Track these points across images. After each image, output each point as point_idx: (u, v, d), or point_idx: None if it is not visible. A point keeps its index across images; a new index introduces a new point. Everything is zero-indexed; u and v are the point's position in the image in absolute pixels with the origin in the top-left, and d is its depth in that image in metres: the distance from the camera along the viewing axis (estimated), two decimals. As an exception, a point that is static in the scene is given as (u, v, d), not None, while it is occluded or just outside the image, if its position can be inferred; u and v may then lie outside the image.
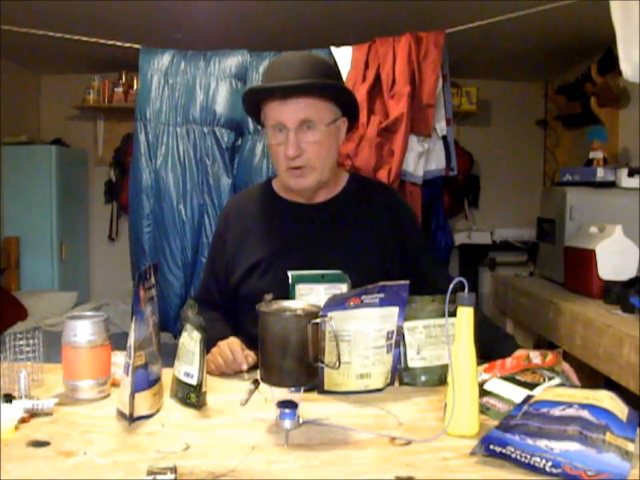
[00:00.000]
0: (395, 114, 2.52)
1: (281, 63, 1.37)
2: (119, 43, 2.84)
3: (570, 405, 0.96)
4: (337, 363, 1.06)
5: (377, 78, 2.60)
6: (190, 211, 2.59)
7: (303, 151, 1.35)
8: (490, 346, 1.32)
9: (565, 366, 1.24)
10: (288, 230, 1.46)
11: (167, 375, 1.17)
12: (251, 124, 2.60)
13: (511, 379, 1.14)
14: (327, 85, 1.36)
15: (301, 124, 1.33)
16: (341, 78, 1.48)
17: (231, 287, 1.48)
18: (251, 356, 1.29)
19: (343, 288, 1.29)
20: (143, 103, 2.63)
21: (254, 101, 1.40)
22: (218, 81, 2.61)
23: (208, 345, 1.29)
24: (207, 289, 1.56)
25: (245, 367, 1.28)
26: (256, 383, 1.12)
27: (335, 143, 1.42)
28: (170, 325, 2.56)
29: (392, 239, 1.47)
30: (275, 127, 1.36)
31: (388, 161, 2.53)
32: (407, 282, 1.21)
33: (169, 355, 1.21)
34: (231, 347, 1.31)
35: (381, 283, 1.18)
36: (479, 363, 1.04)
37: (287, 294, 1.26)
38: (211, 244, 1.64)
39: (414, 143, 2.59)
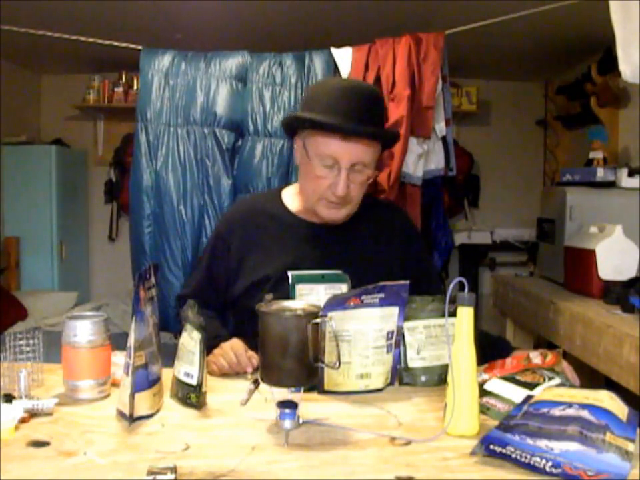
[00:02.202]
0: (394, 117, 2.52)
1: (343, 95, 1.32)
2: (119, 44, 2.84)
3: (570, 405, 0.96)
4: (337, 363, 1.06)
5: (377, 80, 2.60)
6: (190, 211, 2.59)
7: (349, 190, 1.35)
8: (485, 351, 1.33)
9: (564, 364, 1.24)
10: (297, 249, 1.44)
11: (167, 375, 1.17)
12: (250, 125, 2.61)
13: (510, 379, 1.15)
14: (394, 135, 1.42)
15: (354, 165, 1.33)
16: (385, 112, 1.48)
17: (231, 296, 1.47)
18: (255, 357, 1.28)
19: (343, 288, 1.30)
20: (144, 103, 2.63)
21: (306, 124, 1.35)
22: (218, 82, 2.62)
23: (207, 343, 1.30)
24: (200, 287, 1.54)
25: (249, 369, 1.28)
26: (256, 382, 1.12)
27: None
28: (170, 324, 2.57)
29: (399, 259, 1.48)
30: (322, 160, 1.33)
31: (388, 163, 2.53)
32: (407, 282, 1.21)
33: (169, 355, 1.21)
34: (235, 350, 1.31)
35: (381, 283, 1.18)
36: (479, 363, 1.04)
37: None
38: (209, 244, 1.61)
39: (413, 145, 2.59)
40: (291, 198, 1.51)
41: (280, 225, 1.48)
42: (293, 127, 1.42)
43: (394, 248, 1.48)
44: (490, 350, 1.33)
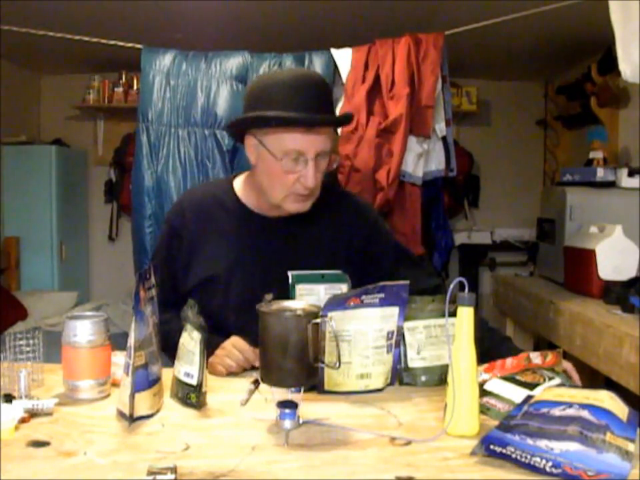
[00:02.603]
0: (394, 115, 2.52)
1: (295, 87, 1.31)
2: (119, 43, 2.85)
3: (570, 405, 0.96)
4: (337, 363, 1.06)
5: (377, 79, 2.60)
6: None
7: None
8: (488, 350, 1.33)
9: (567, 365, 1.24)
10: (248, 243, 1.43)
11: (167, 375, 1.17)
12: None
13: (510, 379, 1.14)
14: (349, 118, 1.44)
15: (318, 155, 1.32)
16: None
17: (183, 290, 1.43)
18: (255, 353, 1.27)
19: (343, 288, 1.30)
20: (145, 104, 2.64)
21: (262, 122, 1.33)
22: (219, 82, 2.62)
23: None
24: (166, 288, 1.41)
25: (257, 363, 1.25)
26: (256, 383, 1.12)
27: None
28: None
29: (358, 247, 1.46)
30: (287, 155, 1.31)
31: (387, 161, 2.53)
32: (407, 282, 1.21)
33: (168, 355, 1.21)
34: (238, 347, 1.30)
35: (382, 283, 1.18)
36: (479, 363, 1.04)
37: (249, 306, 1.17)
38: (162, 240, 1.51)
39: (413, 144, 2.59)
40: (243, 189, 1.48)
41: (231, 216, 1.45)
42: (244, 128, 1.40)
43: (348, 241, 1.46)
44: (492, 348, 1.34)
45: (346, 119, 1.48)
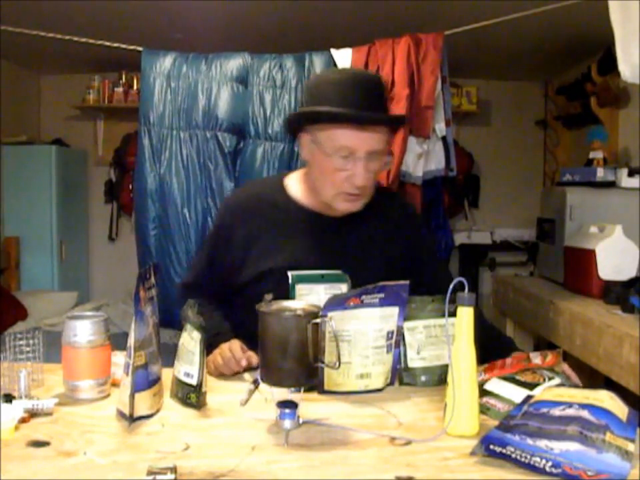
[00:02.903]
0: (394, 116, 2.52)
1: (349, 85, 1.31)
2: (120, 45, 2.85)
3: (570, 405, 0.96)
4: (337, 363, 1.06)
5: (377, 78, 2.60)
6: (194, 214, 2.62)
7: (366, 180, 1.33)
8: (487, 345, 1.34)
9: (565, 367, 1.24)
10: (303, 240, 1.43)
11: (167, 375, 1.17)
12: (252, 128, 2.61)
13: (510, 379, 1.15)
14: (402, 119, 1.44)
15: (370, 154, 1.31)
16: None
17: (236, 285, 1.46)
18: (253, 357, 1.28)
19: (343, 288, 1.29)
20: (146, 107, 2.64)
21: (315, 119, 1.33)
22: (219, 84, 2.62)
23: (209, 336, 1.30)
24: (203, 275, 1.53)
25: (244, 362, 1.26)
26: (256, 382, 1.12)
27: None
28: (176, 324, 2.59)
29: (405, 255, 1.48)
30: (338, 152, 1.31)
31: (387, 162, 2.53)
32: (407, 282, 1.21)
33: (169, 355, 1.21)
34: (231, 347, 1.31)
35: (381, 283, 1.18)
36: (479, 363, 1.04)
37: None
38: (211, 234, 1.58)
39: (413, 144, 2.59)
40: (295, 187, 1.48)
41: (284, 214, 1.45)
42: (299, 123, 1.39)
43: (398, 243, 1.47)
44: (492, 345, 1.35)
45: (398, 119, 1.46)
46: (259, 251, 1.43)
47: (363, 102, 1.29)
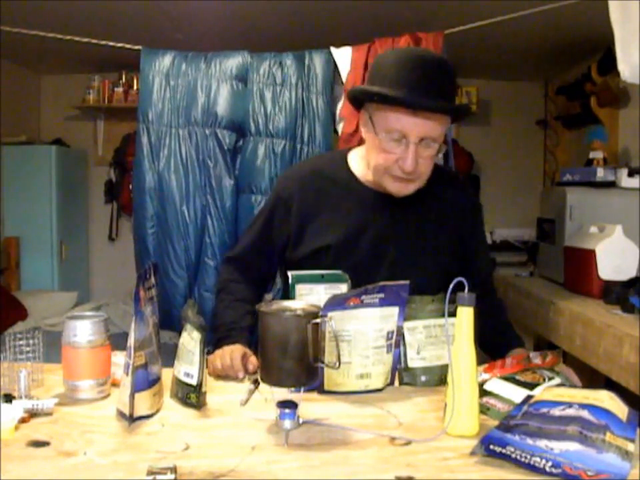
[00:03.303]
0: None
1: (411, 66, 1.27)
2: (119, 44, 2.85)
3: (570, 405, 0.96)
4: (337, 363, 1.06)
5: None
6: (193, 212, 2.60)
7: (417, 166, 1.31)
8: (493, 336, 1.41)
9: (564, 369, 1.24)
10: (359, 217, 1.42)
11: (167, 375, 1.17)
12: (252, 125, 2.61)
13: (510, 379, 1.15)
14: (464, 109, 1.39)
15: (422, 139, 1.29)
16: (456, 86, 1.43)
17: (291, 260, 1.45)
18: (253, 363, 1.28)
19: (342, 288, 1.29)
20: (145, 104, 2.63)
21: (373, 98, 1.31)
22: (219, 82, 2.62)
23: (219, 326, 1.33)
24: (250, 249, 1.52)
25: (240, 375, 1.27)
26: (256, 383, 1.12)
27: None
28: (175, 324, 2.58)
29: (460, 236, 1.47)
30: (390, 134, 1.29)
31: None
32: (407, 282, 1.21)
33: (168, 355, 1.21)
34: (232, 354, 1.30)
35: (381, 283, 1.18)
36: (480, 362, 1.04)
37: (356, 279, 1.28)
38: (267, 205, 1.54)
39: (413, 144, 2.58)
40: (357, 162, 1.46)
41: (344, 190, 1.44)
42: (359, 100, 1.38)
43: (455, 222, 1.46)
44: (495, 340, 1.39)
45: (460, 108, 1.40)
46: (317, 227, 1.43)
47: (419, 85, 1.25)
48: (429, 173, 1.36)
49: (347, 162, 1.48)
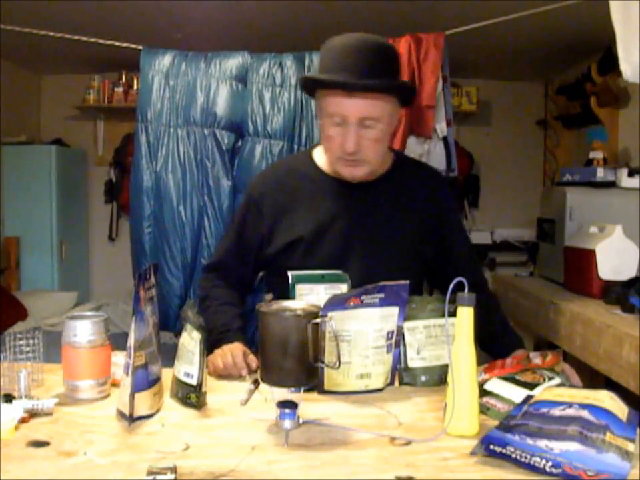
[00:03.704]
0: (394, 114, 2.52)
1: (349, 51, 1.30)
2: (118, 44, 2.84)
3: (570, 405, 0.96)
4: (337, 363, 1.06)
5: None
6: (190, 212, 2.60)
7: (361, 147, 1.33)
8: (493, 336, 1.41)
9: (566, 367, 1.24)
10: (330, 207, 1.44)
11: (167, 375, 1.17)
12: (250, 126, 2.61)
13: (511, 379, 1.15)
14: (397, 86, 1.36)
15: (363, 120, 1.31)
16: (399, 66, 1.42)
17: (265, 256, 1.48)
18: (254, 361, 1.28)
19: (343, 288, 1.29)
20: (144, 104, 2.63)
21: (313, 86, 1.38)
22: (218, 82, 2.61)
23: (211, 330, 1.31)
24: (229, 254, 1.54)
25: (244, 372, 1.27)
26: (256, 382, 1.12)
27: (389, 134, 1.41)
28: (170, 324, 2.58)
29: (431, 225, 1.47)
30: (332, 118, 1.33)
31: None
32: (407, 282, 1.21)
33: (168, 355, 1.21)
34: (233, 352, 1.30)
35: (381, 283, 1.18)
36: (480, 362, 1.04)
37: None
38: (240, 210, 1.58)
39: (414, 144, 2.59)
40: (321, 156, 1.49)
41: (312, 184, 1.47)
42: (308, 89, 1.42)
43: (425, 211, 1.47)
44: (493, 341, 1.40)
45: (398, 85, 1.38)
46: (288, 222, 1.45)
47: (357, 67, 1.28)
48: (377, 155, 1.38)
49: (312, 158, 1.51)
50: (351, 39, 1.33)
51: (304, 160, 1.53)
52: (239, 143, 2.63)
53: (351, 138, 1.31)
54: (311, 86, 1.39)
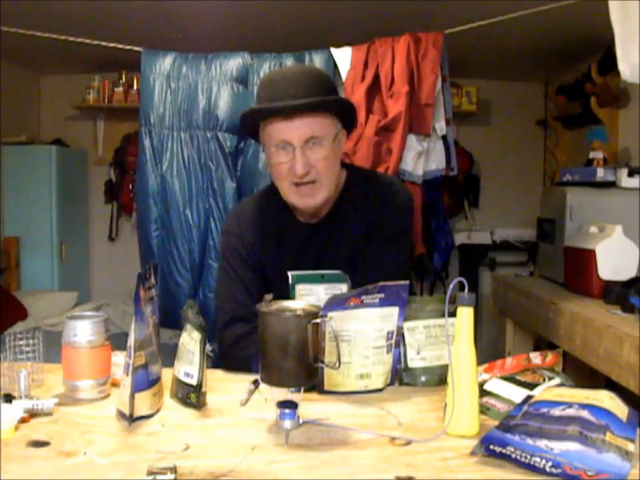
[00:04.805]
0: (393, 113, 2.52)
1: (280, 80, 1.34)
2: (119, 45, 2.85)
3: (570, 405, 0.96)
4: (337, 363, 1.06)
5: (376, 77, 2.61)
6: (196, 215, 2.62)
7: (312, 168, 1.33)
8: None
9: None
10: (295, 252, 1.44)
11: (167, 375, 1.17)
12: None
13: (510, 379, 1.15)
14: (332, 102, 1.36)
15: (307, 141, 1.31)
16: (336, 90, 1.44)
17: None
18: None
19: (343, 288, 1.30)
20: (146, 107, 2.64)
21: (254, 120, 1.37)
22: (219, 84, 2.62)
23: None
24: (242, 296, 1.44)
25: None
26: (256, 383, 1.12)
27: (339, 156, 1.40)
28: (179, 322, 2.60)
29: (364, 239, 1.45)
30: (277, 146, 1.33)
31: (385, 159, 2.53)
32: (407, 282, 1.21)
33: (169, 355, 1.21)
34: None
35: (381, 283, 1.18)
36: (480, 362, 1.04)
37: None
38: (227, 253, 1.49)
39: (413, 142, 2.59)
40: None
41: (278, 224, 1.47)
42: (249, 128, 1.41)
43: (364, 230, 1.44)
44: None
45: (334, 102, 1.37)
46: (262, 260, 1.45)
47: (288, 93, 1.30)
48: (330, 175, 1.37)
49: (278, 194, 1.43)
50: (282, 70, 1.40)
51: (269, 197, 1.49)
52: (242, 145, 2.64)
53: (298, 160, 1.31)
54: (250, 121, 1.37)
